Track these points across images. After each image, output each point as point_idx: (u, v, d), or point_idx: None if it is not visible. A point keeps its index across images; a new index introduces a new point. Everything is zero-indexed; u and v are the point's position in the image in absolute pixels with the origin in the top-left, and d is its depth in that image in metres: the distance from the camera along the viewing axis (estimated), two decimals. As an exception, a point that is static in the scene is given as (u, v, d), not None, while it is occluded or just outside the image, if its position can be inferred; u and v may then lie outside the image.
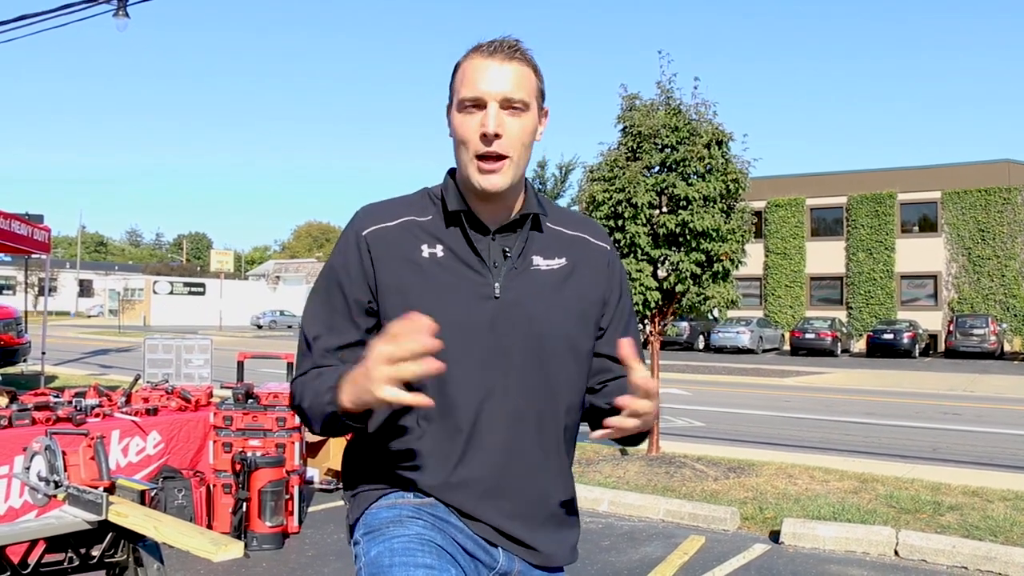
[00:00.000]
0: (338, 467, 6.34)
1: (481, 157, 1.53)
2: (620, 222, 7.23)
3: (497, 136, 1.52)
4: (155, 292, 55.47)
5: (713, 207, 7.16)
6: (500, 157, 1.53)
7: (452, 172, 1.66)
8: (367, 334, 1.59)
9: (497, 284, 1.56)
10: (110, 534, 2.78)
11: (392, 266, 1.56)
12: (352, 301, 1.59)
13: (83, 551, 2.79)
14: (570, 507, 1.68)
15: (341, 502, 5.83)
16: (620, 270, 1.74)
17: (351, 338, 1.59)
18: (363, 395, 1.35)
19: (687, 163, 7.17)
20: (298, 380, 1.60)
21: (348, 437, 1.67)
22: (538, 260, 1.61)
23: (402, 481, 1.56)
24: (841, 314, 34.10)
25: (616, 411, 1.47)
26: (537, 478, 1.59)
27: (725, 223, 7.21)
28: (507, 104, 1.53)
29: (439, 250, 1.57)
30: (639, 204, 7.09)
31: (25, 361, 15.01)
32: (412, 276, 1.55)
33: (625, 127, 7.58)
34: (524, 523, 1.58)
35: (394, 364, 1.30)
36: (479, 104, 1.53)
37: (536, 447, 1.58)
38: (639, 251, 7.26)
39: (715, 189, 7.10)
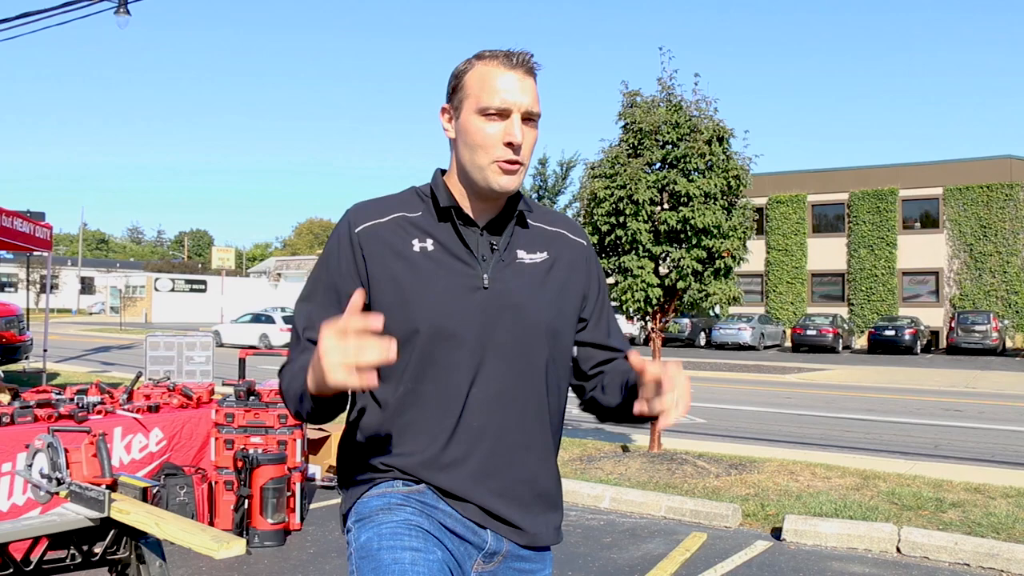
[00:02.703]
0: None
1: (500, 161, 1.62)
2: (621, 219, 7.23)
3: (520, 145, 1.62)
4: (156, 289, 55.48)
5: (714, 203, 7.15)
6: (518, 163, 1.63)
7: (441, 172, 1.75)
8: None
9: (485, 275, 1.64)
10: (112, 531, 2.79)
11: (384, 260, 1.63)
12: (343, 295, 1.63)
13: (85, 548, 2.80)
14: (555, 488, 1.75)
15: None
16: (597, 265, 1.84)
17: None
18: (320, 380, 1.40)
19: (688, 160, 7.16)
20: (283, 369, 1.68)
21: (342, 430, 1.75)
22: (522, 254, 1.70)
23: (393, 465, 1.62)
24: (842, 310, 34.07)
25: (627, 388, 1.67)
26: (524, 459, 1.66)
27: (726, 219, 7.20)
28: (527, 116, 1.63)
29: (429, 244, 1.65)
30: (640, 201, 7.08)
31: (27, 358, 15.02)
32: (404, 269, 1.62)
33: (626, 124, 7.58)
34: (511, 503, 1.64)
35: (342, 352, 1.34)
36: (503, 114, 1.61)
37: (523, 429, 1.65)
38: (640, 248, 7.25)
39: (716, 186, 7.10)
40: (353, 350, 1.33)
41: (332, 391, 1.42)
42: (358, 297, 1.39)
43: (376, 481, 1.64)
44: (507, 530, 1.64)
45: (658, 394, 1.52)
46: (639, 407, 1.56)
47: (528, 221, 1.74)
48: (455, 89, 1.67)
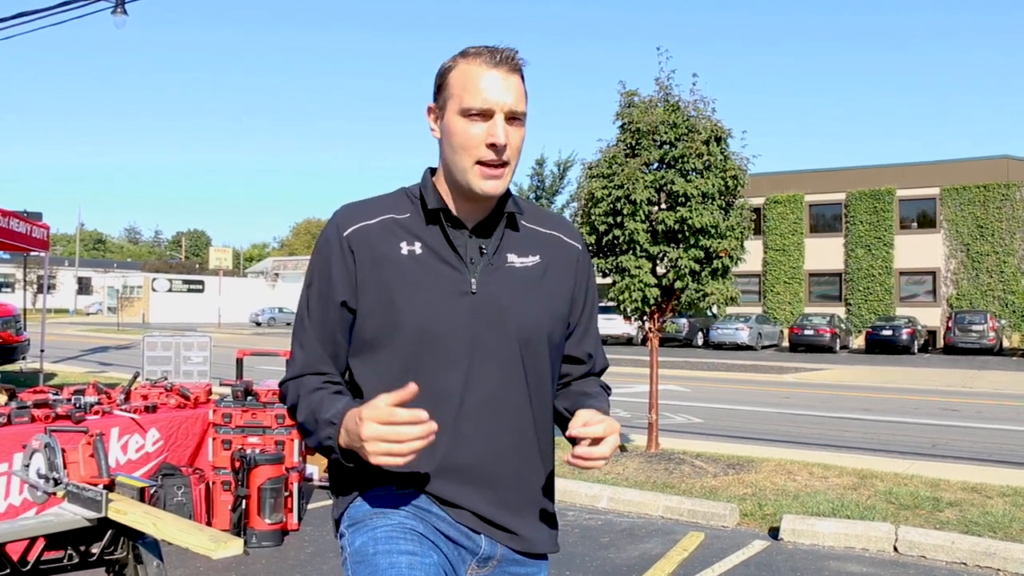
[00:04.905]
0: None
1: (484, 163, 1.58)
2: (619, 219, 7.23)
3: (504, 146, 1.57)
4: (154, 289, 55.43)
5: (712, 204, 7.15)
6: (503, 164, 1.59)
7: (431, 171, 1.71)
8: (350, 330, 1.65)
9: (473, 280, 1.61)
10: (109, 531, 2.78)
11: (373, 264, 1.61)
12: (334, 302, 1.64)
13: (83, 548, 2.79)
14: (550, 496, 1.73)
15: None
16: (589, 270, 1.80)
17: (334, 336, 1.65)
18: (356, 450, 1.46)
19: (686, 160, 7.16)
20: (291, 383, 1.66)
21: None
22: (513, 258, 1.67)
23: (386, 473, 1.60)
24: (840, 310, 34.11)
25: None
26: (517, 466, 1.64)
27: (724, 220, 7.20)
28: (511, 116, 1.58)
29: (418, 247, 1.62)
30: (638, 201, 7.08)
31: (24, 359, 14.99)
32: (392, 273, 1.60)
33: (624, 124, 7.57)
34: (506, 509, 1.63)
35: (385, 442, 1.39)
36: (486, 114, 1.56)
37: (514, 436, 1.64)
38: (638, 248, 7.25)
39: (714, 186, 7.10)
40: (395, 439, 1.39)
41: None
42: (407, 393, 1.41)
43: (369, 485, 1.62)
44: (502, 535, 1.63)
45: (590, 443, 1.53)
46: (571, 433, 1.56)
47: (520, 223, 1.71)
48: (440, 88, 1.63)
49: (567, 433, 1.56)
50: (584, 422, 1.52)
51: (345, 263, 1.62)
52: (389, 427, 1.39)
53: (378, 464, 1.41)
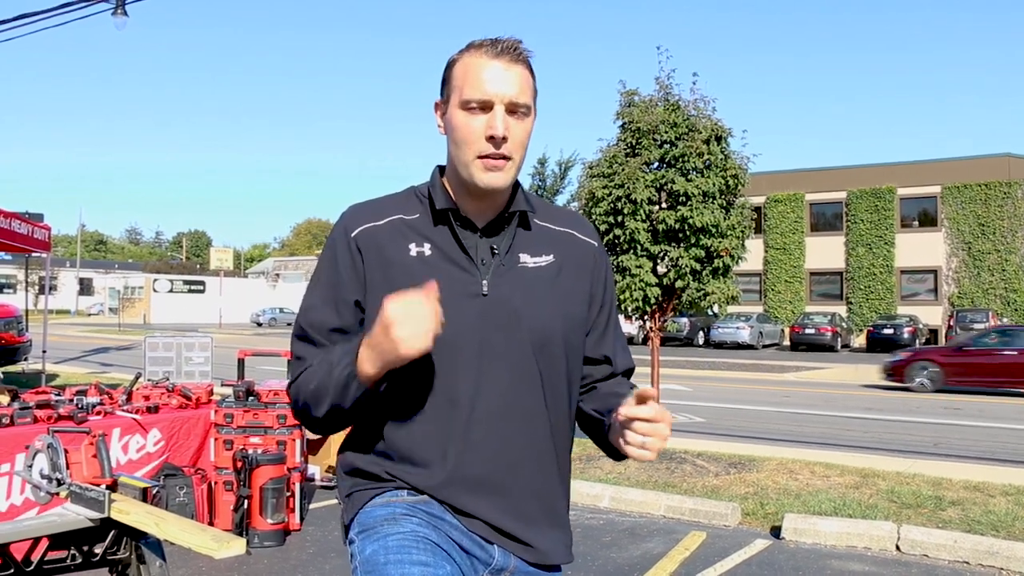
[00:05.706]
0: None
1: (484, 156, 1.53)
2: (619, 218, 7.23)
3: (504, 139, 1.52)
4: (155, 290, 55.45)
5: (712, 203, 7.15)
6: (505, 158, 1.54)
7: (440, 169, 1.66)
8: (355, 334, 1.59)
9: (485, 281, 1.56)
10: (112, 531, 2.79)
11: (381, 266, 1.57)
12: (345, 303, 1.59)
13: (85, 548, 2.80)
14: (564, 505, 1.68)
15: (342, 499, 5.83)
16: (606, 267, 1.73)
17: (337, 338, 1.59)
18: (387, 356, 1.42)
19: (686, 159, 7.17)
20: (300, 376, 1.59)
21: (344, 435, 1.68)
22: (525, 257, 1.61)
23: (396, 476, 1.56)
24: (841, 309, 34.09)
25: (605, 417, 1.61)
26: (530, 474, 1.59)
27: (724, 219, 7.21)
28: (512, 108, 1.53)
29: (427, 248, 1.57)
30: (638, 200, 7.09)
31: (26, 360, 15.01)
32: (401, 275, 1.54)
33: (624, 123, 7.58)
34: (518, 519, 1.57)
35: (414, 320, 1.38)
36: (485, 106, 1.52)
37: (528, 443, 1.58)
38: (639, 247, 7.26)
39: (714, 185, 7.10)
40: (418, 313, 1.38)
41: (401, 363, 1.43)
42: (431, 291, 1.40)
43: (380, 490, 1.57)
44: (515, 546, 1.57)
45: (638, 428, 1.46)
46: (615, 439, 1.53)
47: (532, 221, 1.65)
48: (444, 82, 1.60)
49: (619, 413, 1.46)
50: (632, 408, 1.44)
51: (354, 263, 1.58)
52: (411, 303, 1.38)
53: (406, 351, 1.38)
